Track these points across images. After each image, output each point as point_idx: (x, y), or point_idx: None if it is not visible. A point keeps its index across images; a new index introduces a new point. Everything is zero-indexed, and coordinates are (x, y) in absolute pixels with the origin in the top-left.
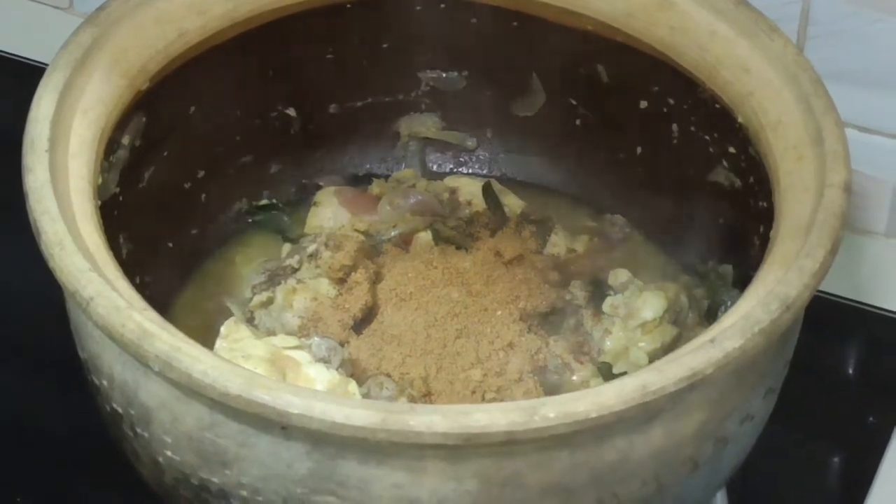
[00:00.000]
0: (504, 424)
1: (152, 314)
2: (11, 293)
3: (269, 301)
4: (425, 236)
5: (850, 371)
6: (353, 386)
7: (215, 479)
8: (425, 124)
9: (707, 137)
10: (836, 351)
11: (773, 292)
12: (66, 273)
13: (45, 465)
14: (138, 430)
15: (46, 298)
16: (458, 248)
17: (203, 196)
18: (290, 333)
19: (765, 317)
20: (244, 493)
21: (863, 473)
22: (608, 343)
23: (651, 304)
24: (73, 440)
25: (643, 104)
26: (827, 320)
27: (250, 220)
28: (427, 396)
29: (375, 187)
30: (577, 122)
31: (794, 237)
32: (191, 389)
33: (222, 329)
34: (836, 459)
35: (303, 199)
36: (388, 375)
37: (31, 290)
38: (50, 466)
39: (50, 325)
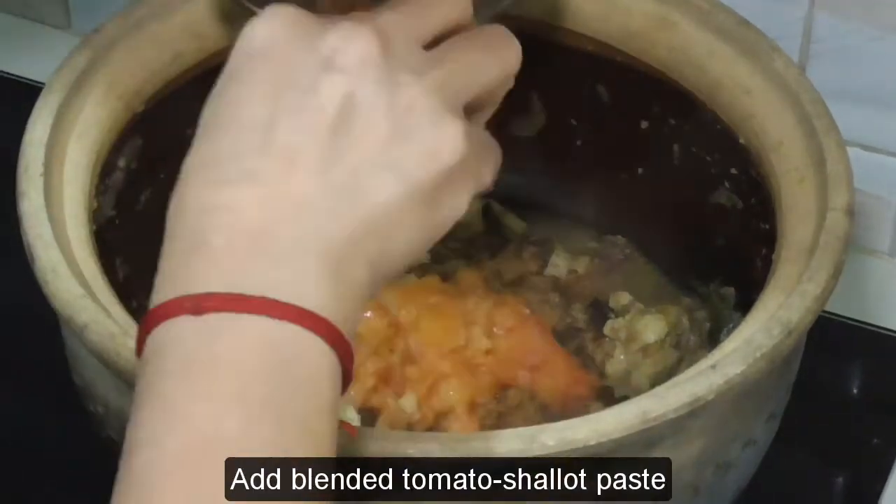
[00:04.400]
0: (502, 452)
1: None
2: (7, 316)
3: None
4: (425, 257)
5: (855, 392)
6: (350, 412)
7: None
8: None
9: (708, 158)
10: (841, 371)
11: (774, 317)
12: (60, 299)
13: (43, 488)
14: None
15: (43, 322)
16: (458, 269)
17: None
18: None
19: (767, 342)
20: None
21: (867, 495)
22: (609, 366)
23: (652, 328)
24: (71, 463)
25: (644, 125)
26: (831, 340)
27: None
28: (425, 422)
29: None
30: (578, 142)
31: (796, 260)
32: None
33: None
34: (840, 481)
35: None
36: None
37: (28, 313)
38: (47, 489)
39: (46, 349)
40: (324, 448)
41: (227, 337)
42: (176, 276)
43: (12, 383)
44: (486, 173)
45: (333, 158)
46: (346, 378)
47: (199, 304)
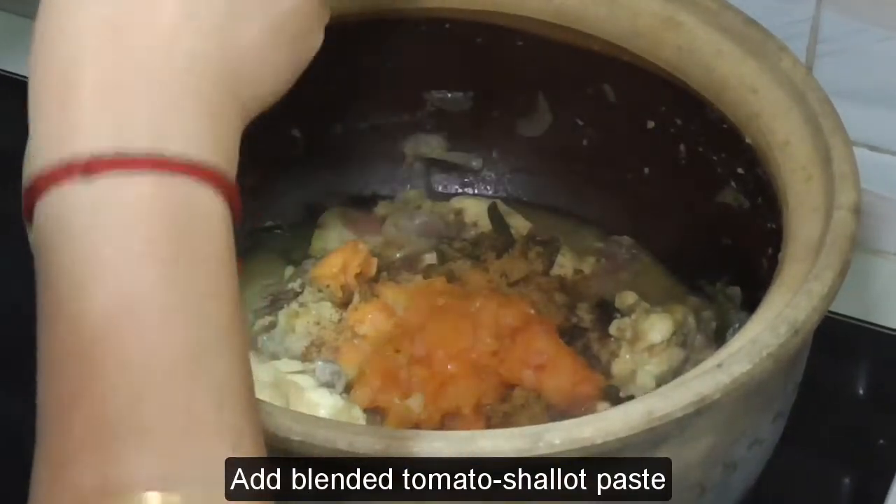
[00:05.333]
0: (509, 451)
1: None
2: (10, 316)
3: (272, 325)
4: (430, 258)
5: (861, 392)
6: (356, 411)
7: None
8: (430, 145)
9: (715, 158)
10: (847, 371)
11: (781, 316)
12: None
13: None
14: None
15: None
16: (464, 269)
17: None
18: (293, 358)
19: (773, 341)
20: None
21: (873, 495)
22: (615, 366)
23: (658, 327)
24: None
25: (650, 124)
26: (837, 340)
27: (253, 243)
28: (431, 422)
29: (380, 209)
30: (584, 142)
31: (802, 259)
32: None
33: None
34: (846, 481)
35: (307, 221)
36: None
37: (31, 313)
38: None
39: None
40: (231, 290)
41: (124, 198)
42: (55, 134)
43: (15, 383)
44: (328, 9)
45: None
46: (235, 218)
47: (89, 168)
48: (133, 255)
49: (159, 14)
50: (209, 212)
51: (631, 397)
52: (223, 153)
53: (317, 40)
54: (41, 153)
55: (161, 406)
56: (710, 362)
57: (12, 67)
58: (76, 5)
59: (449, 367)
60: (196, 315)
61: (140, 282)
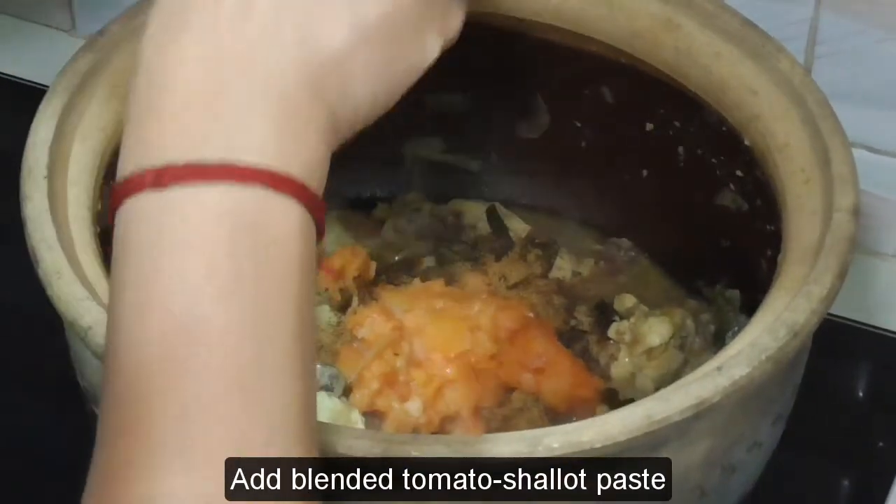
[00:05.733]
0: (508, 454)
1: None
2: (11, 319)
3: None
4: (429, 261)
5: (860, 394)
6: (355, 415)
7: None
8: (429, 147)
9: (714, 160)
10: (846, 374)
11: (780, 319)
12: (64, 302)
13: (47, 490)
14: None
15: (47, 325)
16: (463, 272)
17: None
18: None
19: (772, 344)
20: None
21: (873, 498)
22: (614, 369)
23: (657, 330)
24: (75, 466)
25: (649, 126)
26: (836, 343)
27: None
28: (430, 425)
29: (379, 211)
30: (583, 144)
31: (801, 261)
32: None
33: None
34: (845, 483)
35: None
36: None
37: (32, 316)
38: (51, 491)
39: (50, 351)
40: (299, 305)
41: (191, 211)
42: (137, 145)
43: (16, 386)
44: (453, 20)
45: (282, 5)
46: (320, 229)
47: (160, 177)
48: (193, 275)
49: (244, 32)
50: (282, 223)
51: (630, 400)
52: (304, 163)
53: (425, 52)
54: (124, 164)
55: (208, 434)
56: (710, 365)
57: (15, 71)
58: (172, 39)
59: (447, 370)
60: (255, 339)
61: (198, 305)
